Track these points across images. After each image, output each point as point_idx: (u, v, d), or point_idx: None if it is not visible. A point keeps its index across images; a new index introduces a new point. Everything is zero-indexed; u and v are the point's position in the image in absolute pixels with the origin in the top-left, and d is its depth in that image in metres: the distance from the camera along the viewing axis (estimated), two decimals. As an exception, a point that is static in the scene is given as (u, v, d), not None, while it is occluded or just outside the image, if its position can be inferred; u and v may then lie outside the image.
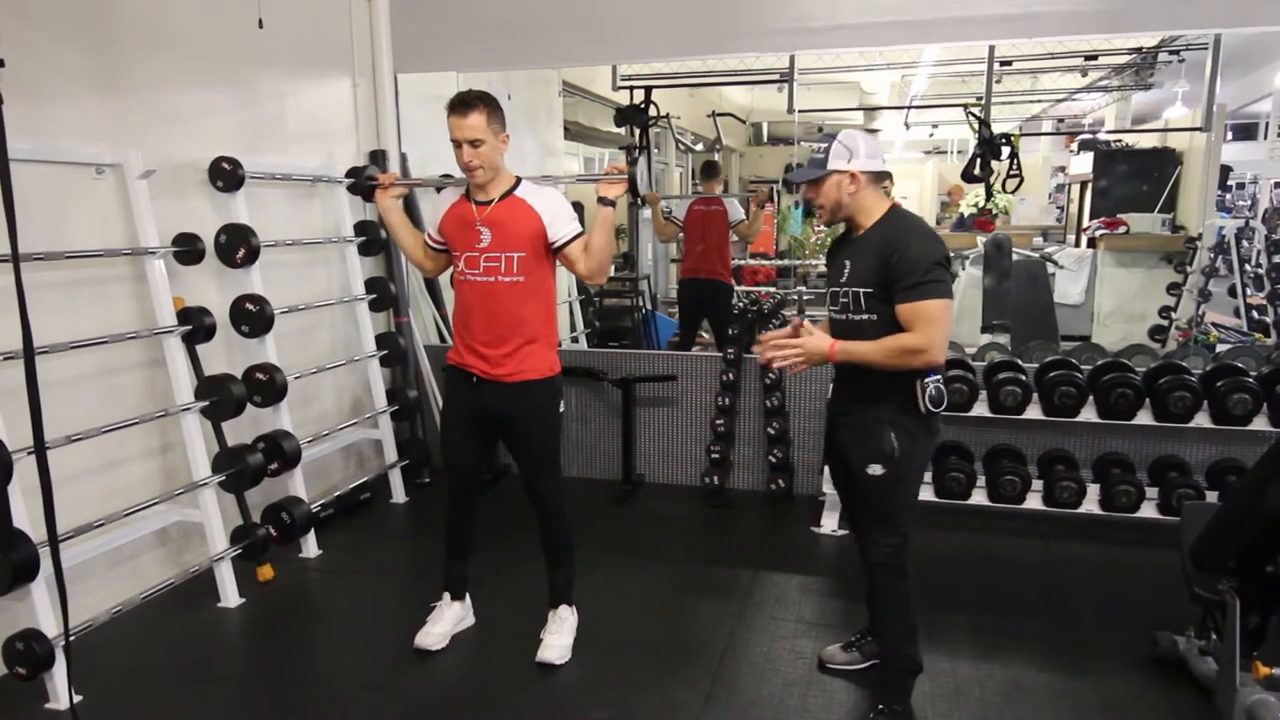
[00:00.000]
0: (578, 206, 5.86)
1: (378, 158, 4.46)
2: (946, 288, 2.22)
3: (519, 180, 2.63)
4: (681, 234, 5.71)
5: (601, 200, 2.54)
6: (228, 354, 3.47)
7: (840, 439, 2.47)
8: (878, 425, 2.31)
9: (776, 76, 6.23)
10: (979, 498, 3.83)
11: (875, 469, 2.32)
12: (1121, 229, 6.83)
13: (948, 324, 2.23)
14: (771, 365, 2.34)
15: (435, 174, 4.96)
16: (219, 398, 3.18)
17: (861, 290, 2.29)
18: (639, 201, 2.41)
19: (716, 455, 4.25)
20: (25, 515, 2.43)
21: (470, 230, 2.58)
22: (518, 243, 2.56)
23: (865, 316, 2.30)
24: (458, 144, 2.49)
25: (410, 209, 4.59)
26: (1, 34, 1.66)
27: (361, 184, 2.88)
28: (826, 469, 3.96)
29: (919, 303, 2.19)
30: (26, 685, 2.52)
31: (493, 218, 2.57)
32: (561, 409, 2.78)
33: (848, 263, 2.36)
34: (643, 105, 6.24)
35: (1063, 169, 10.39)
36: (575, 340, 6.37)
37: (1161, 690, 2.59)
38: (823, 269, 7.88)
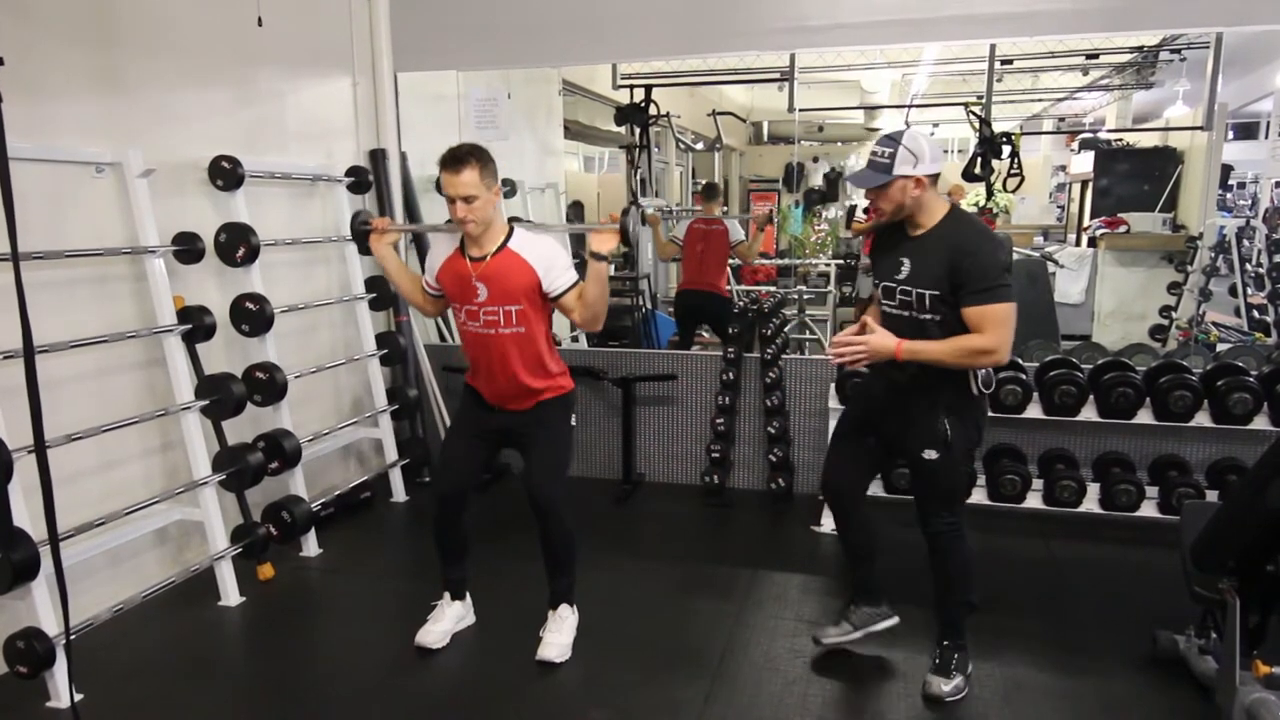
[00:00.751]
0: (577, 207, 5.80)
1: (377, 157, 4.46)
2: (1012, 292, 2.30)
3: (512, 229, 2.63)
4: (681, 253, 5.72)
5: (594, 255, 2.55)
6: (228, 353, 3.47)
7: (888, 421, 2.54)
8: (932, 411, 2.41)
9: (777, 75, 6.22)
10: (979, 496, 3.83)
11: (930, 454, 2.43)
12: (1122, 228, 6.82)
13: (1013, 326, 2.31)
14: (844, 363, 2.39)
15: (434, 173, 4.96)
16: (219, 397, 3.18)
17: (928, 293, 2.35)
18: (639, 235, 2.43)
19: (716, 454, 4.25)
20: (26, 514, 2.43)
21: (467, 285, 2.60)
22: (514, 296, 2.57)
23: (929, 317, 2.37)
24: (451, 199, 2.50)
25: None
26: (1, 32, 1.66)
27: (355, 229, 2.88)
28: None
29: (990, 306, 2.27)
30: (28, 684, 2.53)
31: (488, 273, 2.57)
32: (573, 422, 2.81)
33: (906, 260, 2.40)
34: (643, 104, 6.23)
35: (1063, 168, 10.38)
36: (575, 339, 6.36)
37: (1161, 689, 2.59)
38: (823, 268, 7.90)
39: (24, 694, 2.56)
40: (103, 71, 3.03)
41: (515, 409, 2.69)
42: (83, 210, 2.95)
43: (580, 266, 2.64)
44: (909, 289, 2.38)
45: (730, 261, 5.80)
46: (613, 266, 7.37)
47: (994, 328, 2.27)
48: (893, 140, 2.33)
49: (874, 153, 2.36)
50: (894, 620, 2.80)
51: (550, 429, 2.71)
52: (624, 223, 2.52)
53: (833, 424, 3.87)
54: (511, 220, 2.67)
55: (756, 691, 2.62)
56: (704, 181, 6.51)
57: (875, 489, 3.84)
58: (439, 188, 2.57)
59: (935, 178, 2.37)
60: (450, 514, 2.80)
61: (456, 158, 2.46)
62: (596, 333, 2.65)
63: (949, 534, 2.54)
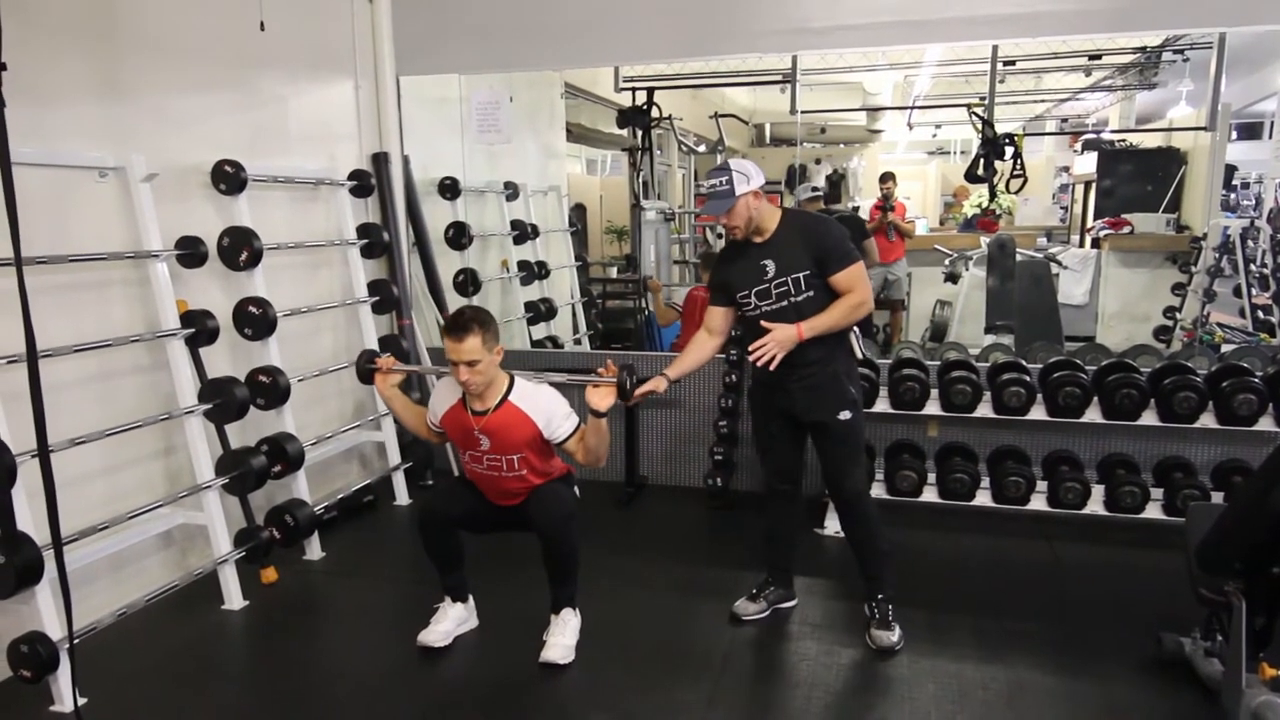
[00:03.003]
0: (580, 209, 5.82)
1: (379, 160, 4.46)
2: (859, 253, 2.78)
3: (512, 381, 2.69)
4: (679, 319, 5.71)
5: (593, 413, 2.61)
6: (231, 356, 3.48)
7: (797, 401, 2.82)
8: (835, 380, 2.78)
9: (779, 77, 6.22)
10: (983, 499, 3.82)
11: (845, 414, 2.79)
12: (1126, 229, 6.81)
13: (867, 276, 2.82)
14: (764, 364, 2.69)
15: (438, 179, 4.98)
16: (222, 400, 3.18)
17: (801, 275, 2.71)
18: (628, 399, 2.58)
19: (719, 457, 4.25)
20: (29, 518, 2.43)
21: (470, 436, 2.69)
22: (517, 447, 2.67)
23: (805, 295, 2.72)
24: (454, 364, 2.56)
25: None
26: (5, 37, 1.67)
27: (360, 368, 2.92)
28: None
29: (851, 267, 2.72)
30: (31, 688, 2.52)
31: (490, 427, 2.66)
32: (576, 493, 2.85)
33: (768, 262, 2.75)
34: (645, 107, 6.23)
35: (1066, 169, 10.36)
36: (579, 342, 6.37)
37: (1166, 692, 2.58)
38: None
39: (28, 698, 2.57)
40: (105, 76, 3.03)
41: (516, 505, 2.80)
42: (86, 215, 2.96)
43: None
44: (783, 279, 2.72)
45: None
46: (615, 269, 7.39)
47: (860, 283, 2.72)
48: (722, 170, 2.70)
49: (711, 185, 2.71)
50: (795, 602, 3.15)
51: (553, 498, 2.75)
52: (621, 379, 2.62)
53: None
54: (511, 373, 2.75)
55: (760, 695, 2.62)
56: (702, 251, 6.49)
57: (878, 491, 3.85)
58: (445, 340, 2.60)
59: (761, 188, 2.74)
60: (433, 529, 2.83)
61: (460, 326, 2.53)
62: (598, 460, 2.78)
63: (862, 493, 2.89)
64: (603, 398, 2.61)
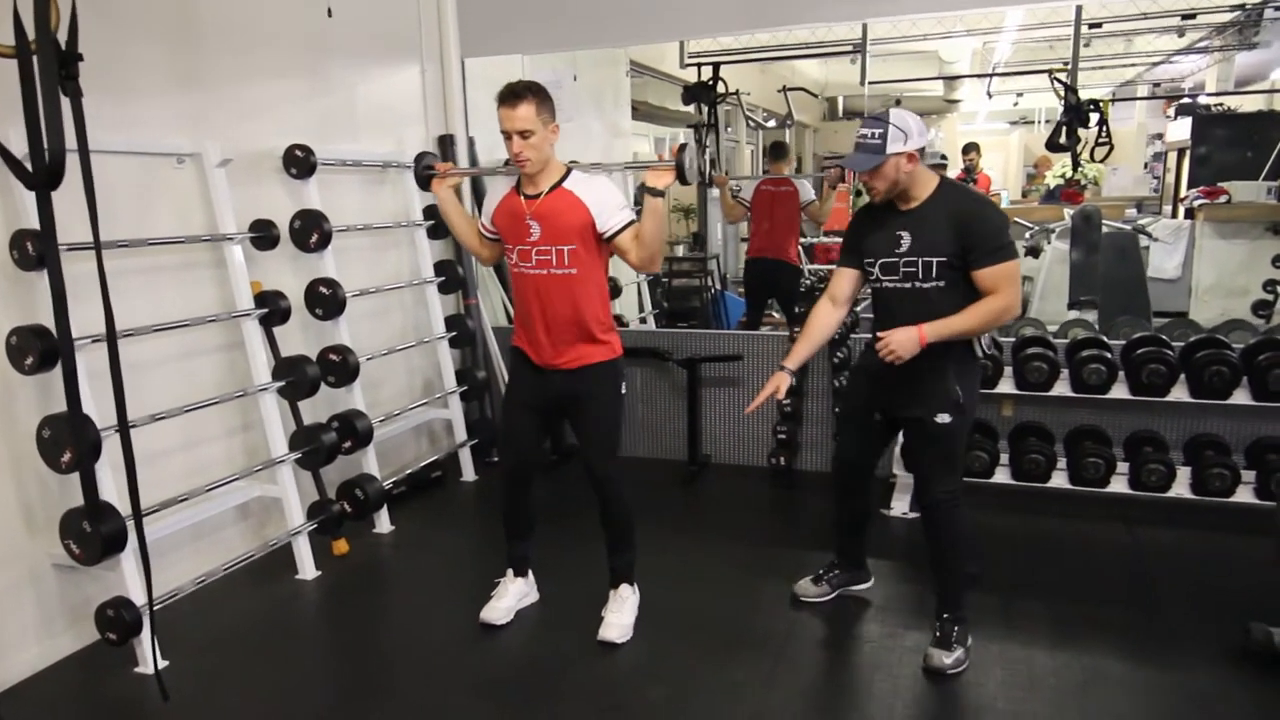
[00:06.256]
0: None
1: (445, 143, 4.52)
2: (1016, 250, 2.41)
3: (569, 170, 2.61)
4: (749, 215, 5.63)
5: (650, 191, 2.50)
6: (303, 336, 3.58)
7: (895, 390, 2.55)
8: (941, 375, 2.45)
9: (850, 48, 6.06)
10: (1059, 480, 3.67)
11: (944, 418, 2.46)
12: (1223, 198, 6.42)
13: (1020, 281, 2.44)
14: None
15: (502, 159, 5.01)
16: (295, 378, 3.28)
17: (935, 260, 2.40)
18: (708, 183, 2.37)
19: (784, 436, 4.19)
20: (114, 489, 2.56)
21: (520, 223, 2.59)
22: (567, 236, 2.55)
23: (934, 284, 2.42)
24: (507, 135, 2.49)
25: (478, 192, 4.64)
26: (88, 32, 1.75)
27: (419, 173, 2.92)
28: (889, 451, 3.87)
29: (1003, 265, 2.35)
30: (116, 650, 2.66)
31: (541, 211, 2.56)
32: (623, 390, 2.78)
33: (905, 234, 2.45)
34: (711, 82, 6.15)
35: (1160, 136, 9.83)
36: (644, 321, 6.36)
37: (1252, 684, 2.45)
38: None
39: (113, 661, 2.71)
40: (181, 65, 3.13)
41: (564, 367, 2.64)
42: (166, 200, 3.07)
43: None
44: (914, 259, 2.43)
45: (803, 230, 5.69)
46: (681, 247, 7.35)
47: (1008, 285, 2.35)
48: (880, 120, 2.36)
49: (862, 135, 2.40)
50: (868, 584, 3.02)
51: (601, 400, 2.68)
52: (680, 160, 2.48)
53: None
54: (570, 163, 2.66)
55: (820, 676, 2.59)
56: (771, 140, 6.32)
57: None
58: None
59: (923, 151, 2.41)
60: (518, 489, 2.84)
61: (514, 93, 2.45)
62: (655, 272, 2.66)
63: (948, 503, 2.55)
64: (659, 177, 2.48)
